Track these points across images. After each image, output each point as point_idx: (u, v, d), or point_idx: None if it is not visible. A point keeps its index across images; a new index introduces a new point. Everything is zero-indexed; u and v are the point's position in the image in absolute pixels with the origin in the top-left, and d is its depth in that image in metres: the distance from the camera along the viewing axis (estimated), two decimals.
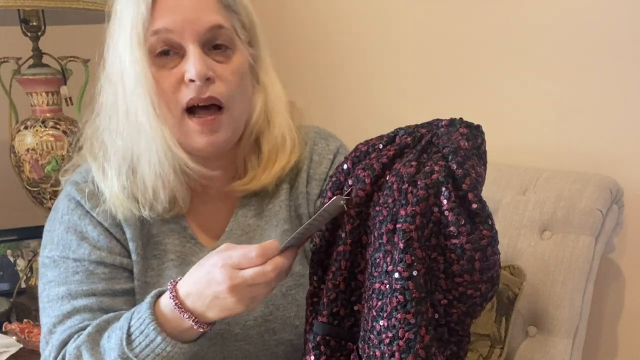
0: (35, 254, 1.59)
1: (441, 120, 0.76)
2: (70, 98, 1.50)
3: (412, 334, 0.69)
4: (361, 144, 0.80)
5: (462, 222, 0.69)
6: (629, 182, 1.26)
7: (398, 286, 0.69)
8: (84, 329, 0.88)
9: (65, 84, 1.50)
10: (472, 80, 1.48)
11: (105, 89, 0.92)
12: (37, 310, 1.47)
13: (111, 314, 0.89)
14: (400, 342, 0.69)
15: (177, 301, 0.81)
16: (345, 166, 0.79)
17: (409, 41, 1.58)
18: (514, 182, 1.29)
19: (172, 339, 0.81)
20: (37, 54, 1.49)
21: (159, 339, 0.81)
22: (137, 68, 0.86)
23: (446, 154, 0.71)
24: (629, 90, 1.26)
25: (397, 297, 0.69)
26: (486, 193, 1.34)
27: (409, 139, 0.76)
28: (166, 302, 0.82)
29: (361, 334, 0.75)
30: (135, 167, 0.91)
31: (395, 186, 0.72)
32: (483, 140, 0.75)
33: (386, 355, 0.70)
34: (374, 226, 0.74)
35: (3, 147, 1.57)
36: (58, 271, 0.93)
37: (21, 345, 1.31)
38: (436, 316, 0.72)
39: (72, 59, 1.50)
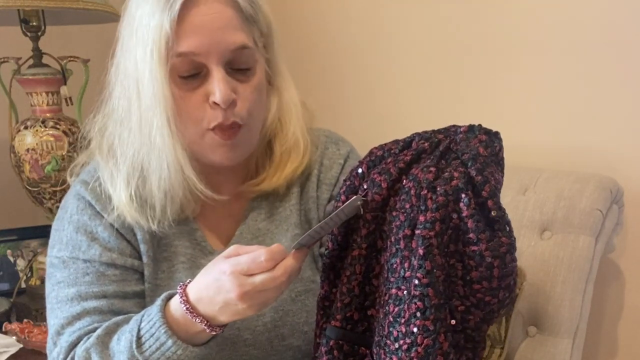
0: (36, 254, 1.59)
1: (459, 127, 0.76)
2: (70, 98, 1.50)
3: (431, 340, 0.69)
4: (376, 148, 0.79)
5: (482, 229, 0.68)
6: (629, 182, 1.26)
7: (417, 292, 0.69)
8: (93, 331, 0.88)
9: (65, 84, 1.50)
10: (471, 81, 1.48)
11: (117, 92, 0.91)
12: (37, 310, 1.48)
13: (121, 317, 0.88)
14: (419, 349, 0.69)
15: (188, 306, 0.80)
16: (360, 170, 0.79)
17: (413, 43, 1.58)
18: (514, 182, 1.29)
19: (183, 342, 0.81)
20: (37, 54, 1.49)
21: (169, 342, 0.81)
22: (156, 86, 0.84)
23: (465, 161, 0.71)
24: (629, 90, 1.26)
25: (416, 304, 0.69)
26: None
27: (426, 145, 0.76)
28: (177, 306, 0.81)
29: (376, 339, 0.75)
30: (145, 179, 0.90)
31: (413, 192, 0.72)
32: (501, 147, 0.74)
33: None
34: (390, 231, 0.73)
35: (3, 147, 1.57)
36: (68, 272, 0.92)
37: (21, 345, 1.30)
38: (453, 322, 0.72)
39: (72, 59, 1.50)
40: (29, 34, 1.48)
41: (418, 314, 0.69)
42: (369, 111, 1.70)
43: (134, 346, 0.82)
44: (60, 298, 0.91)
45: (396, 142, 0.79)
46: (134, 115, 0.88)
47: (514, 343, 1.20)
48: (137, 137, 0.88)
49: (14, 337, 1.31)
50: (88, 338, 0.87)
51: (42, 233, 1.55)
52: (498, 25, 1.42)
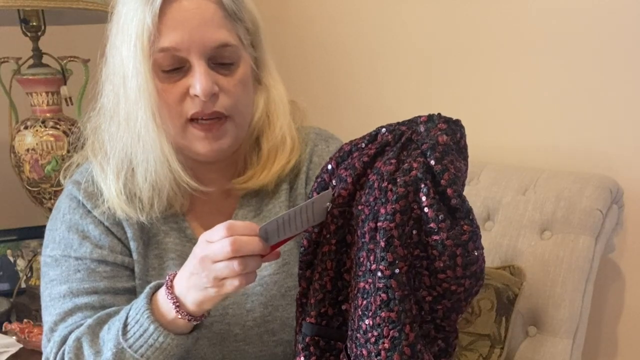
0: (36, 254, 1.59)
1: (420, 117, 0.76)
2: (70, 98, 1.50)
3: (397, 332, 0.69)
4: (345, 143, 0.80)
5: (442, 218, 0.69)
6: (629, 182, 1.26)
7: (381, 285, 0.69)
8: None
9: (65, 84, 1.50)
10: (472, 80, 1.48)
11: (106, 89, 0.92)
12: (37, 310, 1.48)
13: (113, 308, 0.89)
14: (386, 341, 0.69)
15: (169, 284, 0.81)
16: (329, 166, 0.80)
17: (409, 43, 1.58)
18: (514, 182, 1.29)
19: (164, 329, 0.81)
20: (37, 54, 1.49)
21: (151, 327, 0.81)
22: (140, 80, 0.85)
23: (425, 150, 0.71)
24: (629, 90, 1.26)
25: (380, 296, 0.69)
26: (486, 193, 1.35)
27: (389, 137, 0.76)
28: (162, 291, 0.82)
29: (349, 333, 0.75)
30: (134, 172, 0.91)
31: (376, 185, 0.72)
32: (462, 135, 0.74)
33: (373, 354, 0.70)
34: (357, 225, 0.74)
35: (3, 147, 1.57)
36: (60, 270, 0.93)
37: (21, 345, 1.31)
38: (422, 313, 0.72)
39: (72, 59, 1.50)
40: (29, 34, 1.49)
41: (383, 306, 0.69)
42: (359, 110, 1.70)
43: (120, 333, 0.82)
44: (53, 295, 0.92)
45: (363, 136, 0.79)
46: (121, 110, 0.89)
47: (514, 343, 1.20)
48: (124, 132, 0.89)
49: (14, 337, 1.32)
50: (79, 328, 0.88)
51: (42, 233, 1.54)
52: (497, 24, 1.42)
